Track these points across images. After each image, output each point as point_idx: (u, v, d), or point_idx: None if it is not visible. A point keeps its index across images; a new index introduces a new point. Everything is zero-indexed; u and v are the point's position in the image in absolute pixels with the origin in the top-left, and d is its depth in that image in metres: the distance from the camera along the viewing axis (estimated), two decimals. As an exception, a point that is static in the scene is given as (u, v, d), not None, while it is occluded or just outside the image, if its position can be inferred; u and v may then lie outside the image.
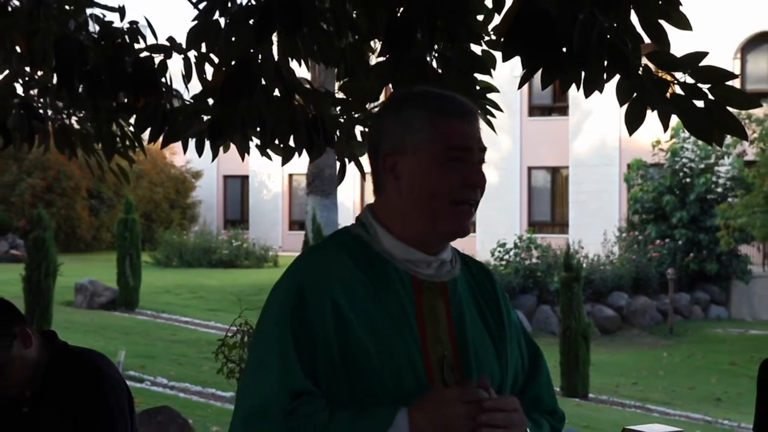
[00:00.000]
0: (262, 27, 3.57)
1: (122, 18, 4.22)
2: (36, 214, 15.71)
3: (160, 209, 29.89)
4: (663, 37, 3.08)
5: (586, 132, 27.51)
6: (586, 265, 20.57)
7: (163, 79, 4.25)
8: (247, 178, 32.35)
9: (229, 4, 3.92)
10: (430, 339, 2.05)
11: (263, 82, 3.80)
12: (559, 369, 14.17)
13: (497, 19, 3.33)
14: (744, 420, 12.68)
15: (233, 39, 3.84)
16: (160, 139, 4.34)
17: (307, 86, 4.15)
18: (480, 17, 3.64)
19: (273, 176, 31.69)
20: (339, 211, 19.68)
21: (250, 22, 3.69)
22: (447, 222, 2.06)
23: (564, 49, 3.12)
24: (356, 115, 4.23)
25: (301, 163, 5.62)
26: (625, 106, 3.17)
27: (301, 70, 4.21)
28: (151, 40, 4.23)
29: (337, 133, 4.23)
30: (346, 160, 4.32)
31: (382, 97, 3.83)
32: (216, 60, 4.09)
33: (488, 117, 3.81)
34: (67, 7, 4.28)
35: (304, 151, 4.13)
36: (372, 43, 4.16)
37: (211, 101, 4.08)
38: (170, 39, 4.21)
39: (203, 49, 4.13)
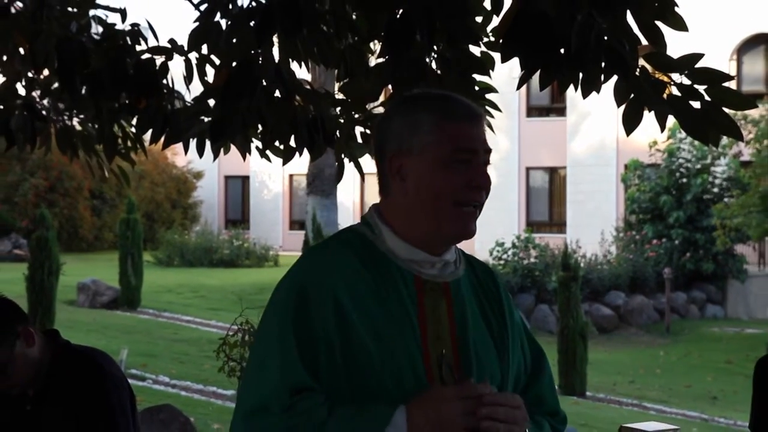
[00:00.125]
0: (262, 29, 3.59)
1: (124, 20, 4.25)
2: (39, 214, 15.66)
3: (162, 209, 29.81)
4: (660, 38, 3.10)
5: (584, 132, 27.49)
6: (583, 264, 20.54)
7: (165, 81, 4.27)
8: (248, 179, 32.30)
9: (230, 6, 3.94)
10: (432, 339, 2.05)
11: (264, 83, 3.81)
12: (557, 368, 14.16)
13: (496, 21, 3.35)
14: (740, 418, 12.70)
15: (234, 40, 3.85)
16: (162, 140, 4.36)
17: (308, 87, 4.17)
18: (479, 19, 3.66)
19: (273, 176, 31.65)
20: (339, 211, 19.69)
21: (251, 23, 3.70)
22: (451, 223, 2.07)
23: (562, 51, 3.14)
24: (356, 116, 4.24)
25: (301, 163, 5.64)
26: (623, 107, 3.19)
27: (301, 72, 4.23)
28: (152, 42, 4.25)
29: (337, 134, 4.24)
30: (345, 159, 4.34)
31: (381, 98, 3.85)
32: (217, 61, 4.09)
33: (487, 117, 3.83)
34: (69, 9, 4.30)
35: (305, 151, 4.15)
36: (371, 45, 4.18)
37: (212, 102, 4.09)
38: (171, 41, 4.23)
39: (204, 51, 4.14)
